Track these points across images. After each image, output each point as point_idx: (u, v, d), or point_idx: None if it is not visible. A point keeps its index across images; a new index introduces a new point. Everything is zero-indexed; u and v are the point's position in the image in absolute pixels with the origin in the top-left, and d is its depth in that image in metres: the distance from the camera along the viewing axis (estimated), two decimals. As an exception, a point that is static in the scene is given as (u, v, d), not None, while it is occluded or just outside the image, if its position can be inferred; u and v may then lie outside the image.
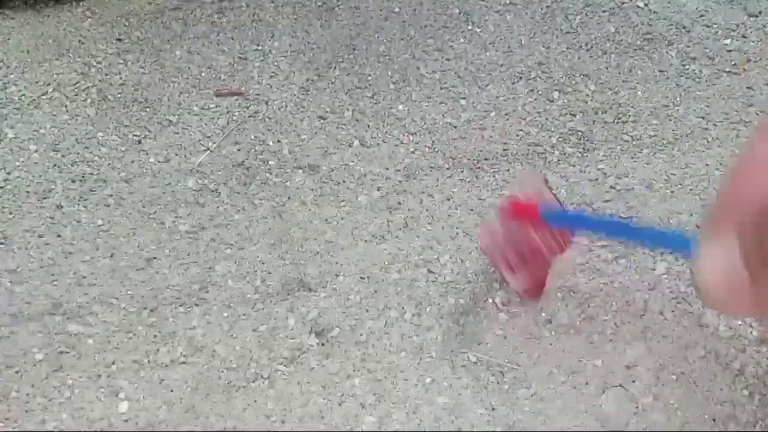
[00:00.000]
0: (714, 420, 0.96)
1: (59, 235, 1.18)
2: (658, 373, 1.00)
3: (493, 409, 0.98)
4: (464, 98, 1.42)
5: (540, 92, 1.43)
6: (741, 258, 0.19)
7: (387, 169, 1.29)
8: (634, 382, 1.00)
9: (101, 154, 1.31)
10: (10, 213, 1.21)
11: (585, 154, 1.31)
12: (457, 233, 1.19)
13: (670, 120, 1.38)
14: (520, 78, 1.46)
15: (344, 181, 1.27)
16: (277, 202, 1.24)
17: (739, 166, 0.22)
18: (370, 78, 1.46)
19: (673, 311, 1.07)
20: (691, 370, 1.01)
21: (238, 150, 1.32)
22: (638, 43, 1.53)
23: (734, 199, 0.22)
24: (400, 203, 1.24)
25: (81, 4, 1.61)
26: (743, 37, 1.55)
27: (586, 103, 1.41)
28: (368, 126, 1.37)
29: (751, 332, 1.04)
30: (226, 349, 1.04)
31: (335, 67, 1.48)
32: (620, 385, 0.99)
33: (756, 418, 0.96)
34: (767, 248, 0.18)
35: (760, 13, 1.60)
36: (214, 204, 1.23)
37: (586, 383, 1.00)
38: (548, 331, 1.05)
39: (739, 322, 1.06)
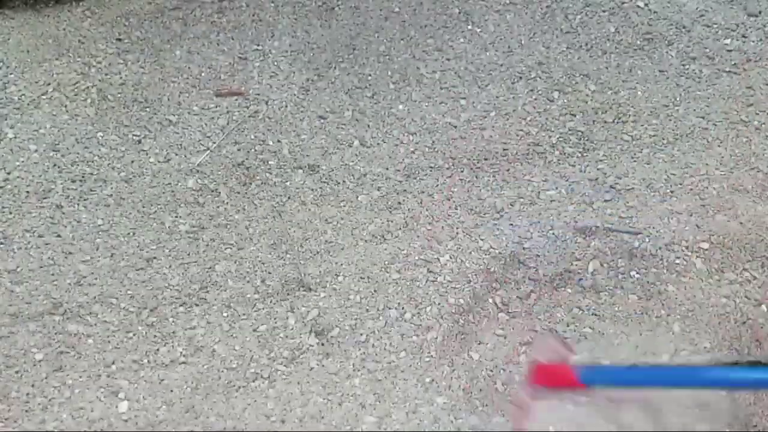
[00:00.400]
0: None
1: (59, 235, 1.18)
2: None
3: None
4: (464, 98, 1.42)
5: (540, 92, 1.43)
6: None
7: (387, 169, 1.29)
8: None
9: (101, 154, 1.31)
10: (10, 213, 1.21)
11: (585, 154, 1.31)
12: (457, 233, 1.19)
13: (670, 120, 1.38)
14: (520, 78, 1.46)
15: (344, 181, 1.27)
16: (277, 202, 1.24)
17: None
18: (370, 78, 1.46)
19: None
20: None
21: (238, 150, 1.32)
22: (638, 43, 1.53)
23: None
24: (400, 203, 1.24)
25: (81, 4, 1.61)
26: (743, 37, 1.55)
27: (586, 103, 1.41)
28: (368, 126, 1.37)
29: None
30: (226, 349, 1.04)
31: (335, 67, 1.48)
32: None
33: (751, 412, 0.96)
34: None
35: (760, 13, 1.60)
36: (214, 204, 1.23)
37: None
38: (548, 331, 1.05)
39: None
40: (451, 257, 1.15)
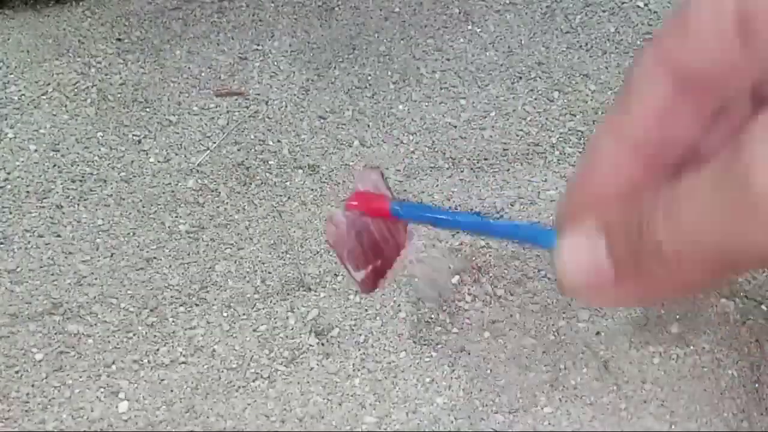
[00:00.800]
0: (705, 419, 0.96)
1: (59, 235, 1.18)
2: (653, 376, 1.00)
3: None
4: (464, 98, 1.42)
5: (540, 92, 1.43)
6: (606, 249, 0.18)
7: (387, 169, 1.29)
8: (627, 383, 1.00)
9: (101, 154, 1.31)
10: (10, 213, 1.21)
11: (585, 154, 1.31)
12: (457, 233, 1.19)
13: (670, 120, 1.38)
14: (520, 78, 1.46)
15: (344, 181, 1.27)
16: (277, 202, 1.24)
17: (597, 146, 0.20)
18: (370, 78, 1.46)
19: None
20: (685, 367, 1.01)
21: (238, 150, 1.32)
22: (638, 43, 1.53)
23: (593, 185, 0.20)
24: (400, 203, 1.24)
25: (81, 4, 1.61)
26: (743, 37, 1.55)
27: (586, 103, 1.41)
28: (368, 126, 1.37)
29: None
30: (226, 349, 1.04)
31: (335, 67, 1.48)
32: (616, 386, 0.99)
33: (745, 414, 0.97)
34: (633, 240, 0.17)
35: (760, 13, 1.60)
36: (214, 204, 1.23)
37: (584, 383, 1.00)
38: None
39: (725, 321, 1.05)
40: (451, 257, 1.15)
